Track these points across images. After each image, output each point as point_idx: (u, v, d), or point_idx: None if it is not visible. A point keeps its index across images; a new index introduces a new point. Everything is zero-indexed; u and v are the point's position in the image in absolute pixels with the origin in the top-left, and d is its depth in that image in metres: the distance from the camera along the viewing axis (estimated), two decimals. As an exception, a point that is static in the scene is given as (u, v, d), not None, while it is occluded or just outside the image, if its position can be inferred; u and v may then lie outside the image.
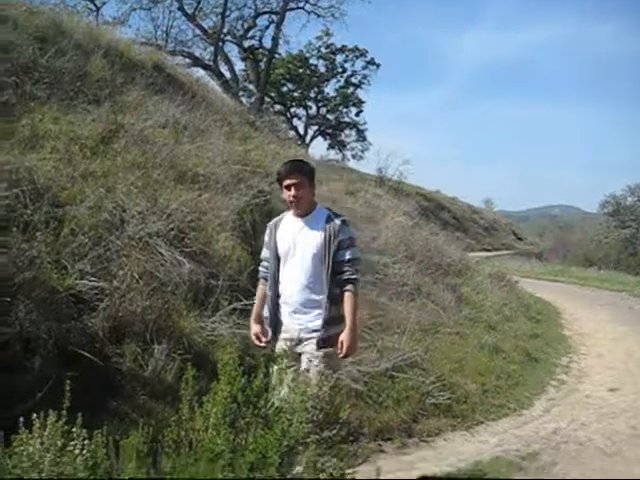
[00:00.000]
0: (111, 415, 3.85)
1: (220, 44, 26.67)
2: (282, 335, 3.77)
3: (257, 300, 4.03)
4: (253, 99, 29.11)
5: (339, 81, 37.79)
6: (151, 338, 4.79)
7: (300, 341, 3.72)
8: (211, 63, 26.19)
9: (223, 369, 2.86)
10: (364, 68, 37.15)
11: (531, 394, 7.42)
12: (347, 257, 3.72)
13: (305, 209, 3.83)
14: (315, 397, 2.94)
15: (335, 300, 3.71)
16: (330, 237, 3.71)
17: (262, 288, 4.01)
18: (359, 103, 37.87)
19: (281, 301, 3.82)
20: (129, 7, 24.48)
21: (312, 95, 37.83)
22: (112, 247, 5.27)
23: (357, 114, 38.24)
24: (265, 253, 4.02)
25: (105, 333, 4.58)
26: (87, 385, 3.76)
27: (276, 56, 30.98)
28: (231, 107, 13.44)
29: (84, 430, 2.21)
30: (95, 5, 23.41)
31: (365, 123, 38.39)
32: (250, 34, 29.04)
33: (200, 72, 22.28)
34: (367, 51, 36.96)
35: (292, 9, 27.35)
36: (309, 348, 3.68)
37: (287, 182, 3.78)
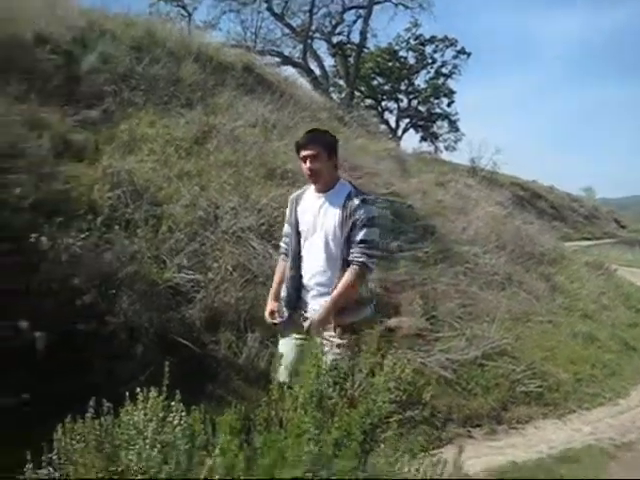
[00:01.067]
0: (208, 398, 4.06)
1: (309, 41, 26.83)
2: (306, 315, 3.55)
3: (276, 277, 3.84)
4: (343, 94, 29.27)
5: (429, 72, 37.18)
6: (245, 327, 5.05)
7: None
8: (300, 60, 26.40)
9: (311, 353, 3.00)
10: (454, 58, 36.36)
11: (628, 384, 7.27)
12: (359, 238, 3.41)
13: (324, 184, 3.57)
14: (397, 378, 3.04)
15: None
16: (346, 216, 3.44)
17: (282, 265, 3.82)
18: (450, 94, 37.10)
19: (303, 281, 3.62)
20: (219, 11, 25.31)
21: (402, 88, 37.38)
22: (207, 242, 5.59)
23: (449, 105, 37.56)
24: (286, 228, 3.80)
25: (202, 322, 4.89)
26: (185, 371, 4.00)
27: (365, 50, 31.00)
28: (320, 104, 13.61)
29: (182, 404, 2.43)
30: (187, 11, 24.25)
31: (457, 113, 37.64)
32: (338, 30, 29.18)
33: (290, 70, 22.64)
34: (457, 40, 36.17)
35: (379, 2, 27.13)
36: (326, 333, 3.40)
37: (303, 154, 3.53)
